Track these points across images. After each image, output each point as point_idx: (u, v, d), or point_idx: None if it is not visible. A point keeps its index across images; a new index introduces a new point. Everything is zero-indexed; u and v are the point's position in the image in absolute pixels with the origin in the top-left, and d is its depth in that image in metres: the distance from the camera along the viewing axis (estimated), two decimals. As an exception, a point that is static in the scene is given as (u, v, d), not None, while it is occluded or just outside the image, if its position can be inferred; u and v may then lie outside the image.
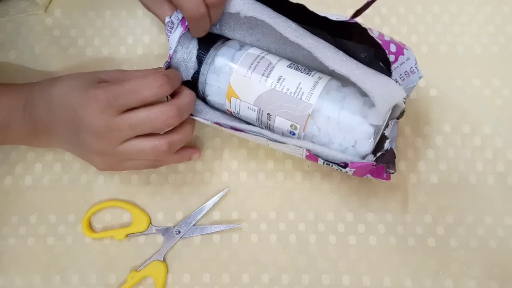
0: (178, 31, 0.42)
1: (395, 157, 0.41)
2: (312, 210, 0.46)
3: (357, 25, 0.38)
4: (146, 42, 0.52)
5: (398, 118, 0.41)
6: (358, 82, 0.38)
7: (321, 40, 0.40)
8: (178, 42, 0.42)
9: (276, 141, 0.41)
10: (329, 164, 0.40)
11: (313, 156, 0.40)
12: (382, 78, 0.39)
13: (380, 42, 0.38)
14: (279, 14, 0.41)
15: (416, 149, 0.47)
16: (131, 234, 0.46)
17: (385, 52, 0.38)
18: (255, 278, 0.45)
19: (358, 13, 0.39)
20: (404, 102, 0.40)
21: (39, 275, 0.46)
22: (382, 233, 0.45)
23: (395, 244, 0.45)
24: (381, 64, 0.40)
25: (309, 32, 0.41)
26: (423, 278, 0.44)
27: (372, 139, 0.39)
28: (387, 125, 0.40)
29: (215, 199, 0.47)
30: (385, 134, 0.39)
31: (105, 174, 0.48)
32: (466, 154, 0.47)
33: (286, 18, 0.41)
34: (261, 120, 0.42)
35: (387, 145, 0.39)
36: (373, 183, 0.47)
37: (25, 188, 0.48)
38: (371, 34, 0.38)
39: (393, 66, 0.39)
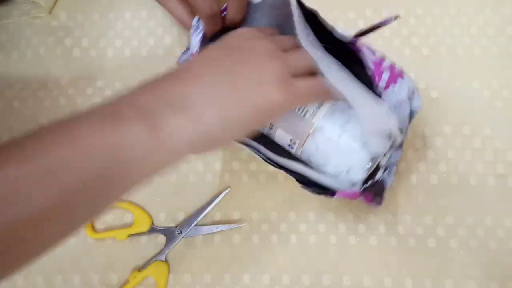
0: (202, 33, 0.43)
1: (383, 190, 0.41)
2: (313, 211, 0.47)
3: (354, 47, 0.39)
4: (151, 43, 0.53)
5: (398, 148, 0.41)
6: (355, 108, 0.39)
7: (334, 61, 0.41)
8: (201, 42, 0.43)
9: (272, 162, 0.41)
10: (318, 194, 0.41)
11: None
12: (376, 107, 0.39)
13: (372, 67, 0.39)
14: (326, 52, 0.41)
15: (416, 150, 0.47)
16: (133, 234, 0.47)
17: (371, 80, 0.39)
18: (256, 278, 0.45)
19: (360, 34, 0.39)
20: (402, 132, 0.40)
21: (41, 275, 0.46)
22: (383, 234, 0.46)
23: (396, 245, 0.45)
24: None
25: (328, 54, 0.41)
26: (424, 279, 0.44)
27: (367, 167, 0.39)
28: (384, 155, 0.40)
29: (216, 199, 0.47)
30: (380, 163, 0.39)
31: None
32: (466, 155, 0.47)
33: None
34: (263, 127, 0.42)
35: (378, 176, 0.39)
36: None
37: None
38: (364, 58, 0.39)
39: (384, 93, 0.39)
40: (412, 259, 0.45)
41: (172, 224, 0.47)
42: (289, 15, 0.40)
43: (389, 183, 0.42)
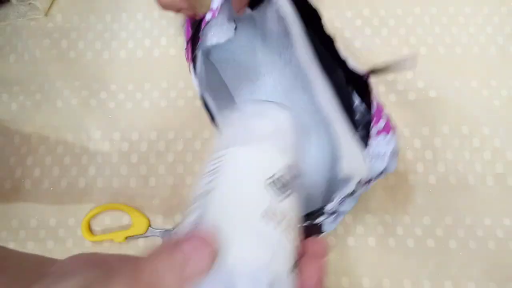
0: None
1: (318, 235, 0.40)
2: (311, 212, 0.46)
3: (367, 83, 0.38)
4: (147, 45, 0.53)
5: (351, 195, 0.39)
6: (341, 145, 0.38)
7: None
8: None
9: None
10: None
11: None
12: (357, 149, 0.38)
13: (374, 110, 0.38)
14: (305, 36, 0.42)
15: (415, 150, 0.47)
16: (130, 236, 0.47)
17: (371, 122, 0.38)
18: (254, 281, 0.45)
19: (374, 72, 0.38)
20: (361, 183, 0.38)
21: (39, 278, 0.46)
22: (381, 235, 0.45)
23: (394, 246, 0.45)
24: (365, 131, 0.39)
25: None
26: (422, 280, 0.44)
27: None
28: (331, 200, 0.38)
29: (213, 201, 0.47)
30: (324, 209, 0.37)
31: (103, 177, 0.48)
32: (465, 155, 0.47)
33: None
34: None
35: (319, 220, 0.38)
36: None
37: (24, 192, 0.49)
38: (372, 99, 0.38)
39: (373, 139, 0.38)
40: (411, 260, 0.45)
41: (169, 226, 0.47)
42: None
43: (329, 229, 0.40)
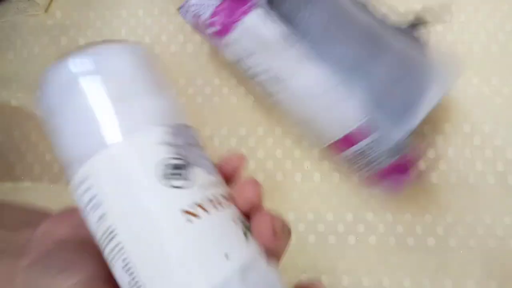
0: None
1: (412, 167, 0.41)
2: (312, 210, 0.46)
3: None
4: (147, 42, 0.52)
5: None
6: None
7: None
8: None
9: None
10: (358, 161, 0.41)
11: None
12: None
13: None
14: None
15: (416, 149, 0.47)
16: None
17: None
18: (255, 278, 0.45)
19: (413, 25, 0.39)
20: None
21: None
22: (382, 233, 0.45)
23: (395, 244, 0.45)
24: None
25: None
26: (422, 279, 0.44)
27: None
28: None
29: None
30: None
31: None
32: (466, 154, 0.47)
33: None
34: None
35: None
36: (372, 183, 0.47)
37: (24, 189, 0.48)
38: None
39: None
40: (411, 259, 0.45)
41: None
42: None
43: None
